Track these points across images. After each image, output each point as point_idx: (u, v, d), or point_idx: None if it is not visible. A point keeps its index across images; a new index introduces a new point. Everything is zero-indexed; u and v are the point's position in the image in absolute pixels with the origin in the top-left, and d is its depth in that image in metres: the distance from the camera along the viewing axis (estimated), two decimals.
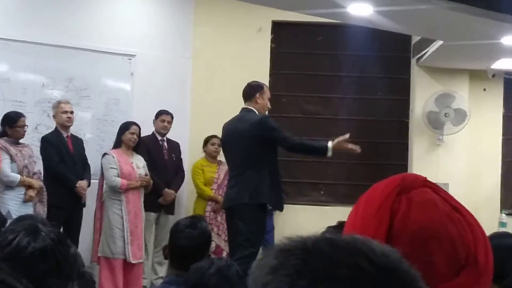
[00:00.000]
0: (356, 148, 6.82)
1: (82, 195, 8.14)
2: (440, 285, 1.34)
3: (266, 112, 7.20)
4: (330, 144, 6.73)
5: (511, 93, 10.15)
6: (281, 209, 7.29)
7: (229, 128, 7.21)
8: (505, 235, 3.77)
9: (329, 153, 6.78)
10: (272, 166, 6.93)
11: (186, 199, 9.67)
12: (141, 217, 8.32)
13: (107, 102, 9.15)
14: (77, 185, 8.07)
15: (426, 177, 1.48)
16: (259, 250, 6.74)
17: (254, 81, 7.35)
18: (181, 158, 9.28)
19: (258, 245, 6.78)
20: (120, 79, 9.34)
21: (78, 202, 8.15)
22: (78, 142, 8.41)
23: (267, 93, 7.16)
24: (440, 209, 1.39)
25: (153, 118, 9.04)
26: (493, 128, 10.10)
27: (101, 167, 8.33)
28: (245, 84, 7.33)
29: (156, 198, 8.78)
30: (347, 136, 6.78)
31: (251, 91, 7.14)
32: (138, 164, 8.38)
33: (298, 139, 7.02)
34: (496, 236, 3.61)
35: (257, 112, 7.02)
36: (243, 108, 7.13)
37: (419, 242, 1.34)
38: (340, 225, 3.64)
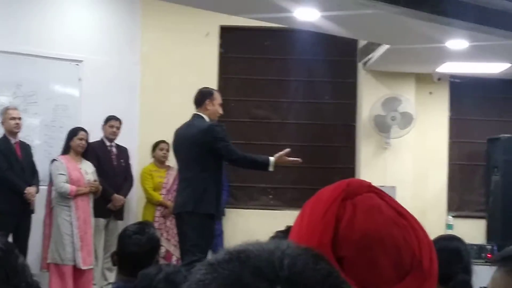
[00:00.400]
0: (297, 160, 6.88)
1: (30, 202, 8.05)
2: None
3: (217, 118, 7.18)
4: (272, 159, 6.78)
5: (457, 96, 10.28)
6: (220, 218, 7.25)
7: (179, 133, 7.20)
8: (451, 237, 3.83)
9: (271, 168, 6.83)
10: (217, 174, 6.95)
11: (135, 205, 9.63)
12: (90, 223, 8.29)
13: (55, 108, 9.06)
14: (25, 191, 7.99)
15: (371, 183, 1.49)
16: (207, 255, 6.75)
17: (205, 88, 7.33)
18: (130, 164, 9.24)
19: (206, 250, 6.79)
20: (68, 85, 9.25)
21: (27, 209, 8.06)
22: (26, 148, 8.32)
23: (217, 99, 7.13)
24: (385, 215, 1.40)
25: (102, 123, 8.99)
26: (439, 131, 10.22)
27: (50, 173, 8.27)
28: (193, 89, 7.32)
29: (105, 204, 8.73)
30: (287, 150, 6.83)
31: (201, 97, 7.12)
32: (87, 170, 8.34)
33: (242, 153, 6.98)
34: (442, 238, 3.66)
35: (207, 119, 7.02)
36: (193, 114, 7.12)
37: (364, 247, 1.35)
38: (288, 229, 3.66)
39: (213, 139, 6.81)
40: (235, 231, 9.77)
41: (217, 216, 7.16)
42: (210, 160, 6.85)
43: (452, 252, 3.55)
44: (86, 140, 8.37)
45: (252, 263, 0.92)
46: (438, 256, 1.45)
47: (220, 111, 7.15)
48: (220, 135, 6.89)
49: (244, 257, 0.94)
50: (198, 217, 6.85)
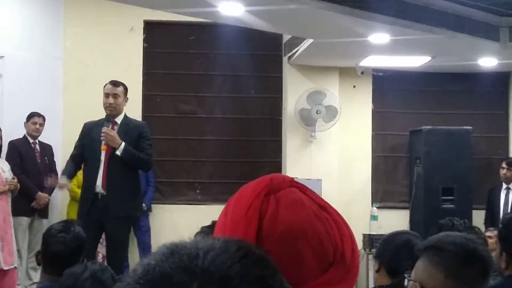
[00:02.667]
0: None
1: None
2: (309, 282, 1.37)
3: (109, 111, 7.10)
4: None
5: (380, 89, 10.44)
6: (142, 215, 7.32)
7: None
8: (399, 232, 3.92)
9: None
10: (84, 172, 7.14)
11: (59, 202, 9.50)
12: (10, 222, 8.11)
13: None
14: None
15: (293, 178, 1.51)
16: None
17: None
18: (54, 161, 9.11)
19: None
20: None
21: None
22: None
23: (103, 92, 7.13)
24: (307, 208, 1.43)
25: (24, 120, 8.84)
26: (363, 124, 10.36)
27: None
28: None
29: (29, 202, 8.60)
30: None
31: None
32: (3, 168, 8.17)
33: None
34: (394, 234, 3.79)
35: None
36: None
37: (288, 241, 1.37)
38: (214, 224, 3.67)
39: None
40: (162, 227, 9.73)
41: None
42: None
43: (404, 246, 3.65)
44: (1, 138, 8.22)
45: (177, 256, 0.93)
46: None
47: (107, 102, 7.06)
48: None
49: (172, 249, 0.95)
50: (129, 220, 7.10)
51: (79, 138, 7.17)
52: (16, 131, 8.57)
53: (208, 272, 0.91)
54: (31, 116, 8.86)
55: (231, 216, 1.42)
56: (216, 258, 0.93)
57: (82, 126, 9.14)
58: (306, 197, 1.45)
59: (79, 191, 9.02)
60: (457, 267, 2.48)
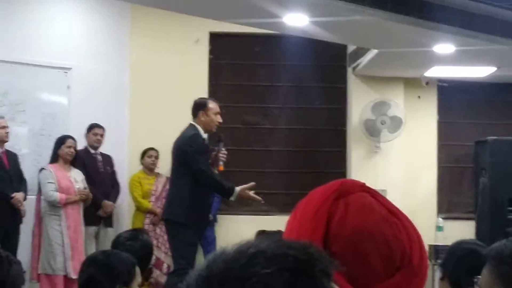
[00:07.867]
0: (258, 199, 7.29)
1: (18, 208, 7.94)
2: (376, 284, 1.38)
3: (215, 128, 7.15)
4: (237, 189, 6.97)
5: (445, 100, 10.33)
6: (200, 228, 7.21)
7: (175, 141, 7.23)
8: (464, 241, 3.88)
9: (233, 198, 7.06)
10: (196, 184, 6.91)
11: (125, 213, 9.59)
12: (81, 232, 8.23)
13: (43, 116, 8.97)
14: (12, 195, 7.89)
15: (364, 183, 1.52)
16: (191, 263, 6.73)
17: (200, 98, 7.35)
18: (115, 171, 9.15)
19: (188, 258, 6.74)
20: (56, 93, 9.20)
21: (15, 219, 7.96)
22: (13, 157, 8.21)
23: (212, 109, 7.08)
24: (376, 212, 1.44)
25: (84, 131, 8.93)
26: (428, 135, 10.27)
27: (39, 182, 8.20)
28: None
29: (95, 211, 8.67)
30: (252, 184, 7.12)
31: (194, 109, 7.10)
32: (76, 178, 8.29)
33: (211, 171, 6.97)
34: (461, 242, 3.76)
35: (201, 129, 7.00)
36: (189, 124, 7.14)
37: (355, 243, 1.39)
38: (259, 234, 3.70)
39: (187, 146, 6.84)
40: (227, 237, 9.76)
41: (194, 225, 6.98)
42: (187, 168, 6.87)
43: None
44: (75, 148, 8.33)
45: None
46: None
47: (217, 120, 7.11)
48: (195, 144, 6.87)
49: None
50: (172, 225, 6.94)
51: (200, 151, 6.95)
52: (84, 141, 8.71)
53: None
54: (92, 127, 8.91)
55: (299, 218, 1.45)
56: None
57: (147, 137, 9.32)
58: (376, 202, 1.46)
59: (144, 201, 9.16)
60: None
